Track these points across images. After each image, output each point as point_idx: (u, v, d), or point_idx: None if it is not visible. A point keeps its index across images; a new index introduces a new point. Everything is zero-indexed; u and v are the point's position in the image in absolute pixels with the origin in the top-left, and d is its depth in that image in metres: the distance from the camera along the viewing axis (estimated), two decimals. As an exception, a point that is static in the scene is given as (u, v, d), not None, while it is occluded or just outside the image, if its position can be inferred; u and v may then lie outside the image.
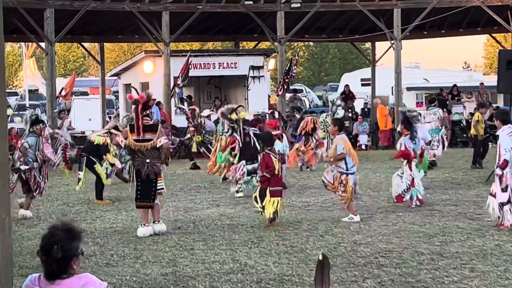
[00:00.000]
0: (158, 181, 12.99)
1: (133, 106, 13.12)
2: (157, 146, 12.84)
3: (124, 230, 13.39)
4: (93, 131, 21.11)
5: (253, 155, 16.61)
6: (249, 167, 16.54)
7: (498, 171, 12.86)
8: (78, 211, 15.85)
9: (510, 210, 12.73)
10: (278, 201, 13.38)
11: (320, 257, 4.11)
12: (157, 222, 13.09)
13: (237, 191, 17.17)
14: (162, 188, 13.21)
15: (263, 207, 13.41)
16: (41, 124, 15.53)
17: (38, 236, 12.85)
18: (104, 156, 17.05)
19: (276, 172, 13.42)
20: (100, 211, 15.72)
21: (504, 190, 12.80)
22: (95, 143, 17.01)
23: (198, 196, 17.43)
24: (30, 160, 15.13)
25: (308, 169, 21.91)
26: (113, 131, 17.10)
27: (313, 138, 21.32)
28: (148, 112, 13.19)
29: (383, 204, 15.68)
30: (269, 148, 13.76)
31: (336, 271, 9.75)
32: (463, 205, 15.28)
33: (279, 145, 17.26)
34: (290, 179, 19.77)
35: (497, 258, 10.50)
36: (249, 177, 16.50)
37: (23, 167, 14.99)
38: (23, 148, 15.16)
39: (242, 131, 17.22)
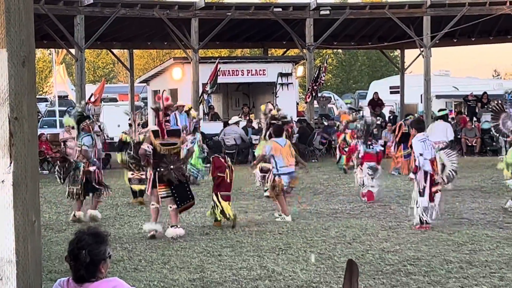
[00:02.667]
0: (164, 188, 13.23)
1: (155, 113, 13.67)
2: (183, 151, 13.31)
3: (152, 236, 13.42)
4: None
5: None
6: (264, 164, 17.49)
7: (411, 175, 13.77)
8: (107, 217, 15.91)
9: (431, 212, 13.53)
10: (228, 205, 14.13)
11: (349, 264, 4.10)
12: (175, 226, 13.24)
13: (265, 191, 17.74)
14: (169, 196, 13.33)
15: (220, 211, 14.13)
16: (87, 120, 15.66)
17: (67, 241, 12.84)
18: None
19: (225, 177, 14.19)
20: (128, 216, 15.78)
21: (421, 194, 13.49)
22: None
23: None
24: (95, 160, 15.35)
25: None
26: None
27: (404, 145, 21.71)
28: (168, 118, 13.60)
29: (411, 212, 15.59)
30: (217, 154, 14.84)
31: (364, 279, 9.71)
32: (492, 213, 15.18)
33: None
34: (318, 186, 19.74)
35: (527, 267, 10.42)
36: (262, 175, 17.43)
37: (92, 169, 15.18)
38: (84, 151, 15.24)
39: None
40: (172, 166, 13.15)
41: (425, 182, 13.48)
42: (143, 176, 17.18)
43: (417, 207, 13.54)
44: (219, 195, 14.14)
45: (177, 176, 13.16)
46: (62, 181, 15.64)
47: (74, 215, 15.28)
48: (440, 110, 21.04)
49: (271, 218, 15.14)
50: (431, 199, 13.53)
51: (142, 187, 17.41)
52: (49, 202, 18.10)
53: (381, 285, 9.57)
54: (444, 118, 20.44)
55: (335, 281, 9.73)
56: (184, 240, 12.92)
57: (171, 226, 13.27)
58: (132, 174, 17.60)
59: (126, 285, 4.70)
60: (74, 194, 15.28)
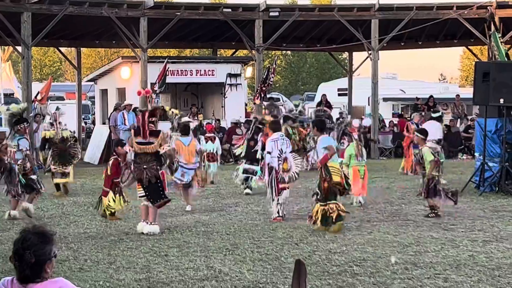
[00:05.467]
0: (140, 188, 13.58)
1: (140, 113, 14.05)
2: (160, 153, 13.46)
3: (98, 236, 13.33)
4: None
5: (254, 157, 18.49)
6: (247, 166, 18.76)
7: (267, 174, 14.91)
8: (52, 216, 15.75)
9: (279, 206, 14.74)
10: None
11: (297, 264, 4.10)
12: (151, 223, 13.54)
13: (244, 188, 19.01)
14: (143, 196, 13.63)
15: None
16: (25, 123, 15.76)
17: (11, 240, 12.72)
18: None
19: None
20: (74, 216, 15.65)
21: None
22: (67, 137, 19.04)
23: (173, 203, 17.31)
24: (36, 167, 15.42)
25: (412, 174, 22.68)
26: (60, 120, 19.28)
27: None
28: (154, 119, 13.75)
29: (357, 213, 15.70)
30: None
31: (310, 280, 9.74)
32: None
33: (209, 146, 20.60)
34: (265, 188, 19.70)
35: (471, 269, 10.54)
36: (245, 175, 18.76)
37: (34, 177, 15.25)
38: (29, 156, 15.34)
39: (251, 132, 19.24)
40: (145, 166, 13.38)
41: (269, 177, 14.71)
42: (66, 170, 18.52)
43: (273, 201, 14.76)
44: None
45: (149, 178, 13.37)
46: None
47: (9, 214, 15.25)
48: (434, 112, 22.28)
49: (218, 218, 15.15)
50: (277, 194, 14.60)
51: (63, 180, 18.72)
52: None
53: (327, 286, 9.61)
54: (437, 119, 21.37)
55: (282, 282, 9.75)
56: (130, 240, 12.86)
57: (147, 223, 13.51)
58: (55, 168, 18.46)
59: (72, 286, 4.65)
60: (12, 193, 15.24)
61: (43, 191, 15.91)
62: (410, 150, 22.58)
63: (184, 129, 16.87)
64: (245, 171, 18.79)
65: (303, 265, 3.86)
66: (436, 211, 15.16)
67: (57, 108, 21.57)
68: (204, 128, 22.47)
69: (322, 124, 14.65)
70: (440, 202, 15.24)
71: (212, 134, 21.60)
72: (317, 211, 13.55)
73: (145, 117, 13.64)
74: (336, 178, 13.60)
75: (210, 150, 20.82)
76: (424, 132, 15.99)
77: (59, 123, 19.05)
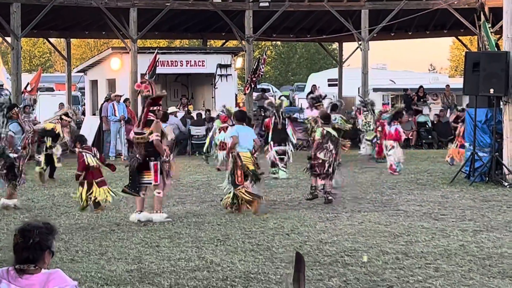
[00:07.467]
0: (146, 176, 13.62)
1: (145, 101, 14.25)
2: (149, 141, 13.58)
3: (89, 227, 13.32)
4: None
5: (283, 139, 20.24)
6: (276, 148, 20.10)
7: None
8: (43, 207, 15.72)
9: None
10: (106, 190, 14.74)
11: (296, 257, 4.10)
12: (157, 211, 13.73)
13: (273, 173, 19.93)
14: (150, 183, 13.72)
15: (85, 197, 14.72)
16: (16, 108, 15.77)
17: (2, 231, 12.75)
18: (47, 140, 19.41)
19: (94, 166, 14.71)
20: (65, 207, 15.61)
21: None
22: (47, 129, 19.32)
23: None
24: (19, 148, 15.30)
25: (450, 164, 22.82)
26: (64, 117, 19.56)
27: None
28: (155, 108, 13.87)
29: (349, 203, 15.73)
30: (82, 146, 15.08)
31: (302, 270, 9.75)
32: (428, 205, 15.39)
33: (222, 135, 21.09)
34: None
35: (461, 258, 10.58)
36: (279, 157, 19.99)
37: (12, 155, 15.10)
38: (10, 137, 15.17)
39: (278, 117, 20.35)
40: (137, 156, 13.57)
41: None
42: (39, 159, 18.93)
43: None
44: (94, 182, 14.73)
45: (132, 167, 13.62)
46: None
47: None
48: None
49: (210, 209, 15.15)
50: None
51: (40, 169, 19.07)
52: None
53: (318, 276, 9.63)
54: None
55: (273, 272, 9.77)
56: (121, 231, 12.85)
57: (139, 213, 13.68)
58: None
59: (66, 277, 4.66)
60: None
61: (19, 185, 15.57)
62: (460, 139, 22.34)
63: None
64: (277, 152, 19.98)
65: (301, 258, 3.86)
66: (314, 192, 15.79)
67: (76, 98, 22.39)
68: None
69: (241, 114, 15.61)
70: (322, 182, 15.80)
71: (226, 124, 21.88)
72: (232, 196, 14.45)
73: (148, 106, 13.80)
74: (250, 166, 14.54)
75: (222, 140, 21.33)
76: (327, 117, 16.29)
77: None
